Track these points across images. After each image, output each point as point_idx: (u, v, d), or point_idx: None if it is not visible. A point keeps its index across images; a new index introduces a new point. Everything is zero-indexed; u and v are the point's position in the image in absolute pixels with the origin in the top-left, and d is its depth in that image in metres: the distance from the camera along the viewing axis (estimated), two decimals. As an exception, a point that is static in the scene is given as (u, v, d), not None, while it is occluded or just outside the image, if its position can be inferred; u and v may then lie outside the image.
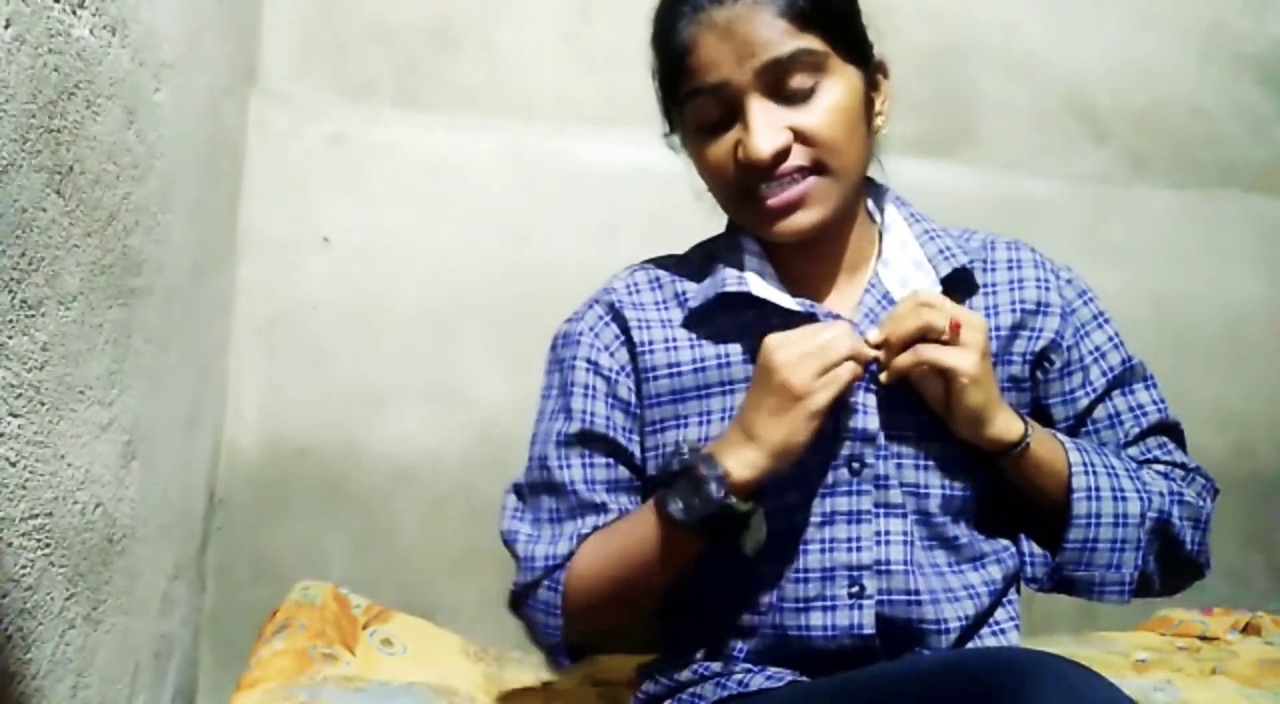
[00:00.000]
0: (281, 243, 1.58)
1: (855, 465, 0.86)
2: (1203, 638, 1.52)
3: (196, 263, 1.32)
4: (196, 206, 1.30)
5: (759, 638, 0.89)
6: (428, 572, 1.59)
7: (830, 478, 0.87)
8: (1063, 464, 0.87)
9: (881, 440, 0.87)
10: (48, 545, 0.86)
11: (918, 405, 0.87)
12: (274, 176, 1.58)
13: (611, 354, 0.94)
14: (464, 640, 1.37)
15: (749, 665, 0.89)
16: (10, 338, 0.77)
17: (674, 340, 0.92)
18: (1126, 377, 0.97)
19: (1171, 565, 0.92)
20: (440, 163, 1.63)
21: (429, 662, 1.27)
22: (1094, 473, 0.87)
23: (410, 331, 1.61)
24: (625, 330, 0.94)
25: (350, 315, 1.59)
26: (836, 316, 0.89)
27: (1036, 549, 0.92)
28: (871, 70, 0.89)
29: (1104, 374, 0.96)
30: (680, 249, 1.04)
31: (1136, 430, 0.96)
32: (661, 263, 1.00)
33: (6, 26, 0.73)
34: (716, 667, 0.90)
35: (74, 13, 0.85)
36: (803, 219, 0.85)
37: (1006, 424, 0.86)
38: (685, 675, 0.91)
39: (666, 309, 0.95)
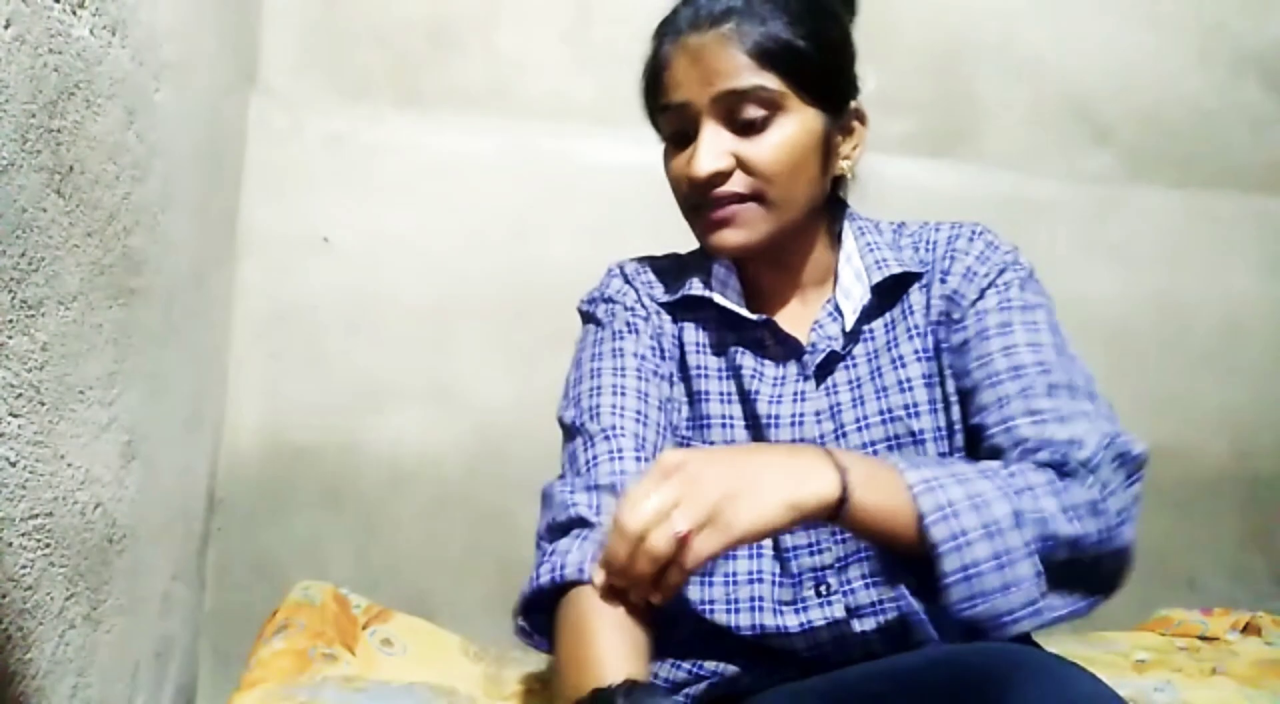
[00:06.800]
0: (281, 243, 1.58)
1: None
2: (1203, 638, 1.52)
3: (196, 263, 1.32)
4: (196, 206, 1.30)
5: (746, 641, 0.90)
6: (428, 572, 1.59)
7: None
8: (902, 490, 0.75)
9: (835, 439, 0.91)
10: (48, 545, 0.86)
11: (877, 393, 0.91)
12: (274, 176, 1.58)
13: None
14: (464, 640, 1.37)
15: (742, 665, 0.90)
16: (10, 338, 0.77)
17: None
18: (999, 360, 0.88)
19: (1084, 563, 0.78)
20: (440, 163, 1.63)
21: (429, 662, 1.27)
22: (940, 486, 0.75)
23: (410, 331, 1.61)
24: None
25: (350, 315, 1.59)
26: (788, 335, 0.93)
27: (922, 609, 0.85)
28: (843, 115, 0.92)
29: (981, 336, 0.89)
30: (679, 249, 1.04)
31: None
32: (654, 259, 1.05)
33: (6, 26, 0.73)
34: (710, 667, 0.91)
35: (74, 13, 0.85)
36: (731, 237, 0.90)
37: (813, 487, 0.73)
38: (680, 676, 0.92)
39: (653, 289, 1.02)
